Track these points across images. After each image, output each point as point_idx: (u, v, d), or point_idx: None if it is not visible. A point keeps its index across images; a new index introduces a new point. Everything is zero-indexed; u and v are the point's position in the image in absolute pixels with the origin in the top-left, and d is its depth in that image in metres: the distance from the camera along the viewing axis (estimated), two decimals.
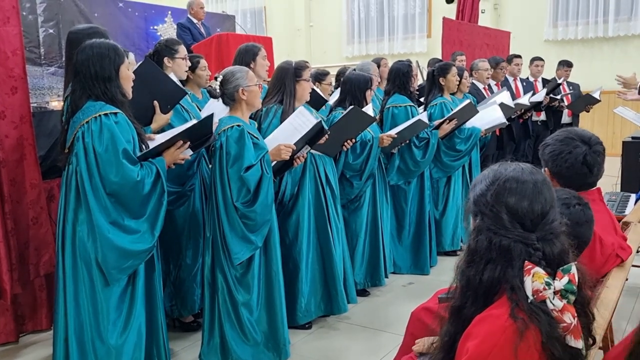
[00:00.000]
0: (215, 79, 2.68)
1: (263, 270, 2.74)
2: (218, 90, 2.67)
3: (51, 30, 4.16)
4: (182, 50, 3.15)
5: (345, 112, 3.25)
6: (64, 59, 3.89)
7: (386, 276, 3.75)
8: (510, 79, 6.10)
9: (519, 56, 6.22)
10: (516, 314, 1.15)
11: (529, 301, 1.17)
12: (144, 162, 2.36)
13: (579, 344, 1.18)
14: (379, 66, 4.51)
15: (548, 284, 1.17)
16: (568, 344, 1.17)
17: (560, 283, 1.18)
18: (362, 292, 3.65)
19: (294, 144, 2.74)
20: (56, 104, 3.88)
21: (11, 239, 2.89)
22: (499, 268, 1.21)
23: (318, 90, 3.89)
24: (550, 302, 1.17)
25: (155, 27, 5.59)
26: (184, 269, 3.12)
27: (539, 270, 1.18)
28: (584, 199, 1.79)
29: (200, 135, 2.59)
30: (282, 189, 3.08)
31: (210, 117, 2.57)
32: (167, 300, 3.08)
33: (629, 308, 3.30)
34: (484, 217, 1.25)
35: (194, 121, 2.59)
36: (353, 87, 3.54)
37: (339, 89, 3.89)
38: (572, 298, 1.20)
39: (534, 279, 1.17)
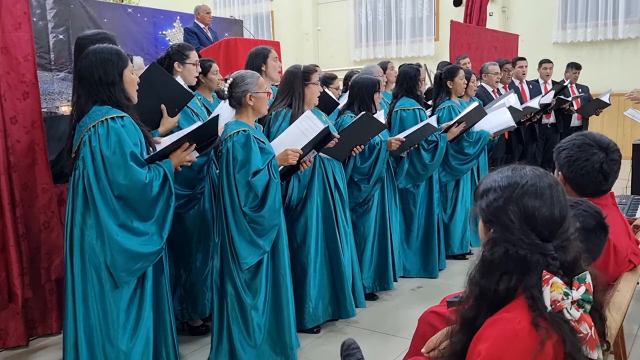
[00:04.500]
0: (226, 80, 2.69)
1: (271, 274, 2.74)
2: (226, 92, 2.68)
3: (61, 36, 4.19)
4: (194, 56, 3.15)
5: (356, 118, 3.25)
6: (73, 64, 3.93)
7: (395, 280, 3.74)
8: (516, 82, 6.07)
9: (523, 59, 6.19)
10: (539, 322, 1.14)
11: (548, 311, 1.15)
12: (151, 164, 2.37)
13: (594, 354, 1.17)
14: (385, 70, 4.53)
15: (566, 294, 1.16)
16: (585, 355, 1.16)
17: (577, 293, 1.17)
18: (371, 296, 3.64)
19: (301, 148, 2.74)
20: (66, 109, 3.92)
21: (22, 243, 2.91)
22: (515, 278, 1.19)
23: (330, 93, 3.88)
24: (568, 312, 1.16)
25: (164, 32, 5.62)
26: (194, 272, 3.12)
27: (557, 280, 1.17)
28: (598, 207, 1.77)
29: (206, 136, 2.59)
30: (289, 193, 3.08)
31: (215, 119, 2.57)
32: (177, 303, 3.09)
33: None
34: (500, 228, 1.22)
35: (199, 123, 2.59)
36: (361, 90, 3.54)
37: (347, 92, 3.89)
38: (588, 307, 1.19)
39: (552, 289, 1.16)
